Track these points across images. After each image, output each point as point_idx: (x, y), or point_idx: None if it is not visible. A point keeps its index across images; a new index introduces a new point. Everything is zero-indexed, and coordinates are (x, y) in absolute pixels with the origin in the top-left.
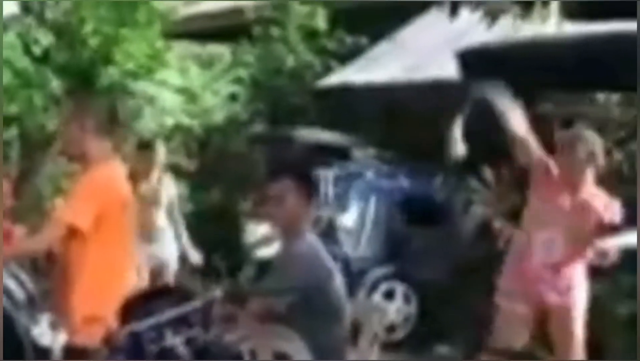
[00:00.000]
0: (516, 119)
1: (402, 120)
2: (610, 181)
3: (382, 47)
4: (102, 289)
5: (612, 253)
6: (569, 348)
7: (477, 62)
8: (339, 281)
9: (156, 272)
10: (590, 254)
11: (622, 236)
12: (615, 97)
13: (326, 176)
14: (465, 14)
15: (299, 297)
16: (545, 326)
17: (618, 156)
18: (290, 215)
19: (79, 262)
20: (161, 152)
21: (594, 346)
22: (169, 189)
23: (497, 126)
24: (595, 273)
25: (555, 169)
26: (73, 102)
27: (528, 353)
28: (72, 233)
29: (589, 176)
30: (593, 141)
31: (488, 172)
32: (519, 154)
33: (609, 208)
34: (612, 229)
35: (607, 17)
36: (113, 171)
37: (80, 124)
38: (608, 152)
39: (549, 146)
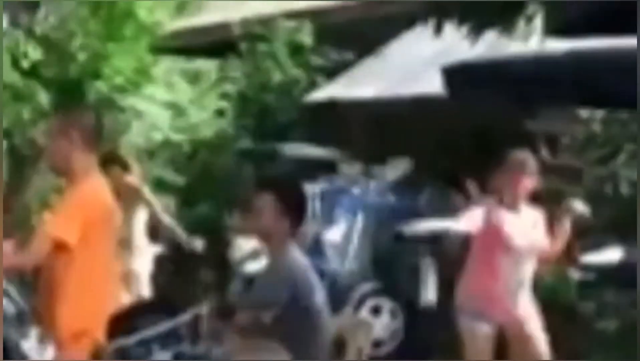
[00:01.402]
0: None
1: (389, 135)
2: (592, 199)
3: (368, 63)
4: (90, 304)
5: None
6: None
7: (462, 78)
8: (321, 297)
9: (128, 284)
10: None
11: (606, 253)
12: (599, 114)
13: (313, 191)
14: (449, 30)
15: (281, 311)
16: (507, 342)
17: (601, 173)
18: (267, 229)
19: (66, 276)
20: (135, 169)
21: None
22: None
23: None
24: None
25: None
26: (59, 117)
27: None
28: (59, 247)
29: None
30: (522, 161)
31: (473, 188)
32: None
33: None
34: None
35: (590, 33)
36: (98, 185)
37: (67, 138)
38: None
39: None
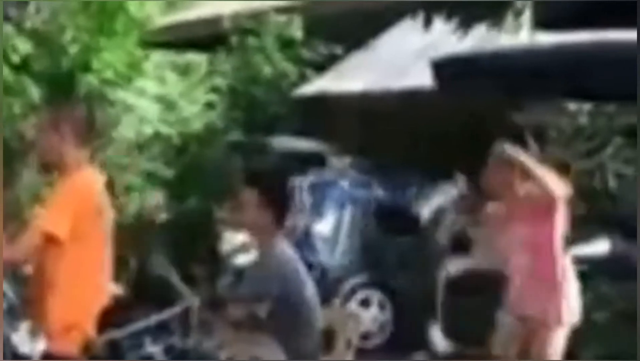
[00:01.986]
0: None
1: (378, 128)
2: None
3: (358, 57)
4: (80, 297)
5: None
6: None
7: (451, 71)
8: (311, 290)
9: None
10: (566, 263)
11: (594, 244)
12: (586, 106)
13: (302, 184)
14: (438, 23)
15: (271, 304)
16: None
17: (588, 166)
18: (251, 223)
19: (57, 270)
20: None
21: (569, 354)
22: None
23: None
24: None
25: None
26: (50, 111)
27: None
28: (50, 241)
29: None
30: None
31: (462, 181)
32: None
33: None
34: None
35: (579, 27)
36: (90, 179)
37: (58, 132)
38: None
39: None
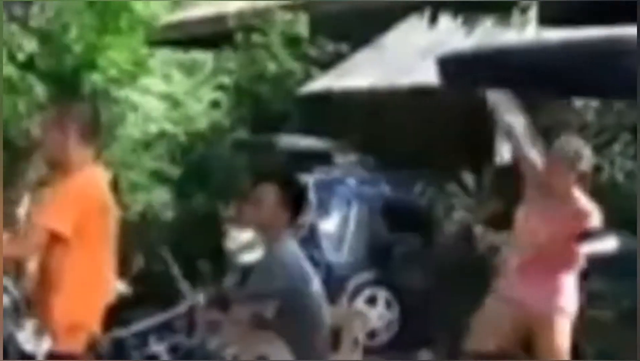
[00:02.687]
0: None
1: (384, 126)
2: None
3: (363, 54)
4: (85, 296)
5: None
6: (552, 357)
7: (457, 68)
8: (317, 288)
9: None
10: (579, 262)
11: (599, 241)
12: (593, 104)
13: (307, 182)
14: (444, 20)
15: (279, 303)
16: (530, 332)
17: (597, 162)
18: (267, 219)
19: (62, 268)
20: None
21: (574, 352)
22: None
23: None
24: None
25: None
26: (56, 109)
27: (502, 355)
28: (54, 239)
29: (572, 182)
30: (576, 148)
31: (469, 178)
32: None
33: (590, 214)
34: (590, 234)
35: (586, 23)
36: (94, 177)
37: (63, 131)
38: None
39: None
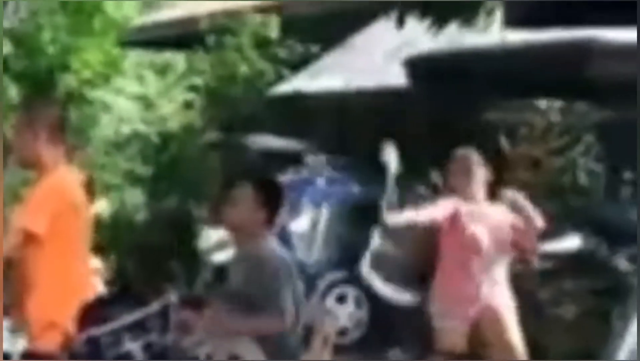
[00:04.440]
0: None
1: (353, 126)
2: (551, 188)
3: (333, 56)
4: (60, 295)
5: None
6: (507, 347)
7: (424, 69)
8: (301, 288)
9: None
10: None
11: (564, 240)
12: (557, 104)
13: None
14: (412, 22)
15: (255, 300)
16: (481, 332)
17: (559, 163)
18: (244, 220)
19: (36, 268)
20: None
21: (538, 349)
22: None
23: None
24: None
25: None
26: (23, 111)
27: (471, 354)
28: (29, 239)
29: (480, 189)
30: (470, 157)
31: (436, 177)
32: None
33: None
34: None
35: (548, 25)
36: (65, 177)
37: (32, 132)
38: (537, 162)
39: (495, 154)
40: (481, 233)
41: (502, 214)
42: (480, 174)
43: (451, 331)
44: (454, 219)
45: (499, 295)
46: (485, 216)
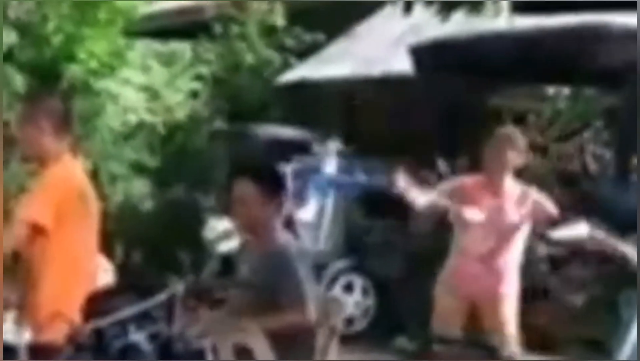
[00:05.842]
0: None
1: (360, 114)
2: (559, 175)
3: (339, 43)
4: (66, 286)
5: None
6: (500, 334)
7: (430, 56)
8: (311, 279)
9: None
10: (518, 247)
11: (573, 228)
12: (565, 91)
13: (284, 171)
14: (419, 9)
15: (264, 292)
16: (479, 316)
17: (568, 149)
18: (255, 217)
19: (43, 259)
20: None
21: (546, 336)
22: None
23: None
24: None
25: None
26: (27, 103)
27: (466, 339)
28: (35, 230)
29: (509, 173)
30: (513, 139)
31: (443, 165)
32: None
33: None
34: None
35: (556, 11)
36: (70, 168)
37: (35, 125)
38: (544, 149)
39: None
40: (478, 215)
41: (522, 195)
42: (513, 156)
43: (448, 310)
44: (460, 198)
45: (504, 280)
46: (500, 195)
